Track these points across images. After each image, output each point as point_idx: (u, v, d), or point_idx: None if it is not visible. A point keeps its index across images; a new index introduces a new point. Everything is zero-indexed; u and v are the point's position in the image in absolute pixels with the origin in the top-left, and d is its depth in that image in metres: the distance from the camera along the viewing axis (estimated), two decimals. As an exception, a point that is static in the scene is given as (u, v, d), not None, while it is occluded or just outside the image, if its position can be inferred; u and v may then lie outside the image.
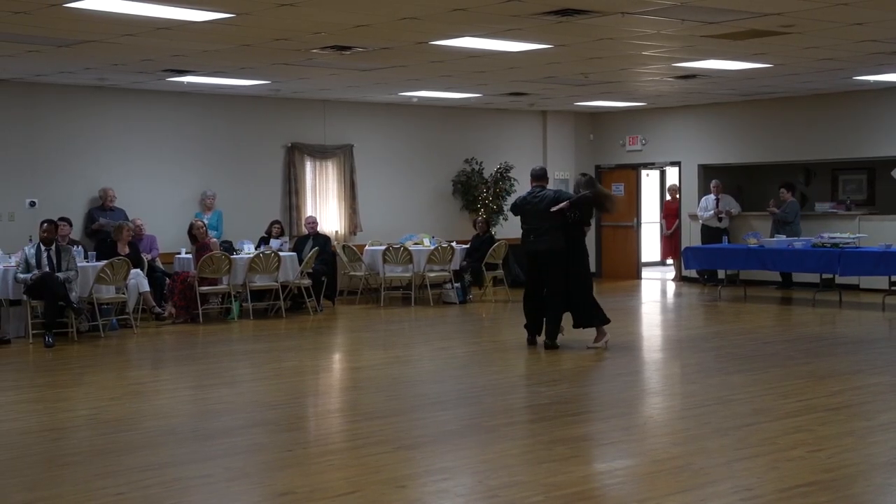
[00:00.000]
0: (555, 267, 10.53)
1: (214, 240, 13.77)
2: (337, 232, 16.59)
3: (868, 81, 14.86)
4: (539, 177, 10.91)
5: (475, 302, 15.40)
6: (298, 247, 14.83)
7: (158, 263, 14.01)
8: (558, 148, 19.24)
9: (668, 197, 19.52)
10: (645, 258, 20.00)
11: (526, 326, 10.93)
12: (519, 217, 10.91)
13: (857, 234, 14.93)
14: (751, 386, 8.65)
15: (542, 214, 10.57)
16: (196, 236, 13.44)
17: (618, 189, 19.53)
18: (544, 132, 19.10)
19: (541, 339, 10.79)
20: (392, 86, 14.70)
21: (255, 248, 14.28)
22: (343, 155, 16.71)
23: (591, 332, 10.82)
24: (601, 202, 11.00)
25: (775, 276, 16.54)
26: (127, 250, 13.06)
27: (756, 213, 17.33)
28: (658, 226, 20.15)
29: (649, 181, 20.95)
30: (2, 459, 6.54)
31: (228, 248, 13.98)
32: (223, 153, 15.64)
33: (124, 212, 14.19)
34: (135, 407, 8.25)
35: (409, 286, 15.51)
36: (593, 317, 10.73)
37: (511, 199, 16.22)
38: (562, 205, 10.48)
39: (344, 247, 16.01)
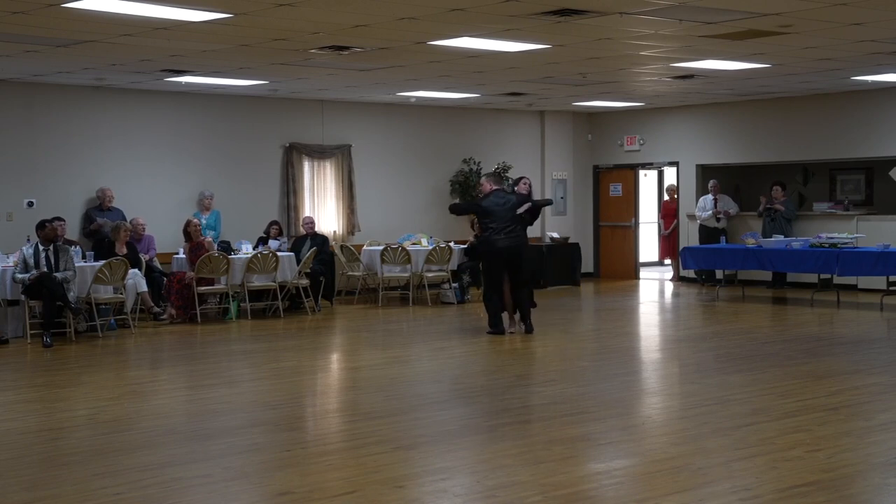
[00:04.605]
0: (526, 259, 11.81)
1: (209, 239, 13.77)
2: (335, 232, 16.58)
3: (866, 81, 14.87)
4: (500, 181, 12.34)
5: (473, 302, 15.40)
6: (296, 247, 14.83)
7: (156, 263, 14.01)
8: (556, 148, 19.24)
9: (666, 197, 19.53)
10: (643, 258, 20.01)
11: (496, 321, 11.74)
12: (478, 217, 11.98)
13: (855, 234, 14.95)
14: (749, 386, 8.66)
15: (510, 215, 11.57)
16: (190, 234, 13.45)
17: (616, 189, 19.57)
18: (542, 132, 19.11)
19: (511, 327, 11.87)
20: (390, 86, 14.70)
21: (254, 248, 14.28)
22: (341, 155, 16.71)
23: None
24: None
25: (770, 275, 16.58)
26: (125, 250, 13.06)
27: (753, 214, 17.33)
28: (656, 226, 20.16)
29: (647, 181, 20.96)
30: (0, 459, 6.54)
31: (226, 248, 13.98)
32: (221, 153, 15.64)
33: (122, 212, 14.19)
34: (133, 407, 8.25)
35: (408, 286, 15.51)
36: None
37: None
38: (525, 206, 11.67)
39: (342, 247, 16.01)
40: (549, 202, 13.50)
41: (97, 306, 12.06)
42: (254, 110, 15.89)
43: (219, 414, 7.93)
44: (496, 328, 11.71)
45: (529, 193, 12.22)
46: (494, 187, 11.77)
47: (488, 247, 11.62)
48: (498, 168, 17.80)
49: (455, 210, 12.68)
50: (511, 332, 11.73)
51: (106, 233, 13.69)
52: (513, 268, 11.57)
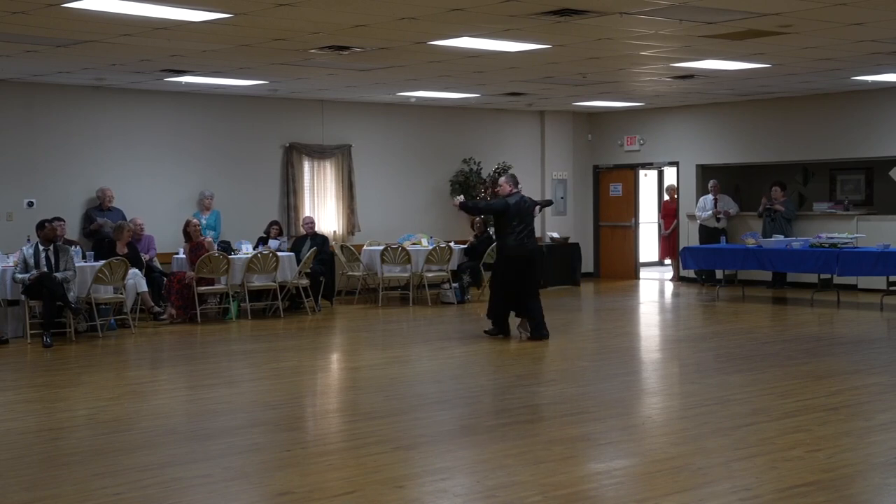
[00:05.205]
0: (539, 264, 11.71)
1: (209, 239, 13.77)
2: (335, 232, 16.59)
3: (866, 81, 14.87)
4: (517, 182, 11.68)
5: (473, 302, 15.40)
6: (297, 247, 14.83)
7: (156, 263, 14.01)
8: (556, 148, 19.24)
9: (666, 197, 19.54)
10: (643, 258, 20.02)
11: (499, 323, 11.50)
12: (503, 217, 11.29)
13: (855, 234, 14.95)
14: (749, 386, 8.66)
15: (531, 217, 11.39)
16: (190, 234, 13.45)
17: (616, 189, 19.57)
18: (542, 132, 19.11)
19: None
20: (390, 86, 14.70)
21: (254, 248, 14.28)
22: (341, 155, 16.71)
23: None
24: None
25: (770, 275, 16.58)
26: (126, 250, 13.06)
27: (753, 214, 17.33)
28: (656, 226, 20.16)
29: (647, 181, 20.96)
30: (0, 459, 6.54)
31: (226, 248, 13.98)
32: (221, 153, 15.64)
33: (122, 212, 14.19)
34: (133, 407, 8.25)
35: (408, 286, 15.51)
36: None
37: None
38: (537, 209, 11.67)
39: (342, 247, 16.01)
40: (549, 203, 13.33)
41: (97, 306, 12.06)
42: (254, 110, 15.89)
43: (219, 414, 7.93)
44: (500, 328, 11.49)
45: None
46: (514, 189, 11.40)
47: (512, 251, 11.20)
48: (498, 168, 17.80)
49: (473, 209, 12.08)
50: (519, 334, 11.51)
51: (106, 233, 13.69)
52: (531, 271, 11.33)
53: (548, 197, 18.59)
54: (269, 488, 5.86)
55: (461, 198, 11.85)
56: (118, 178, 14.58)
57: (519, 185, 12.17)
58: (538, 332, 11.30)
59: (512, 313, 11.61)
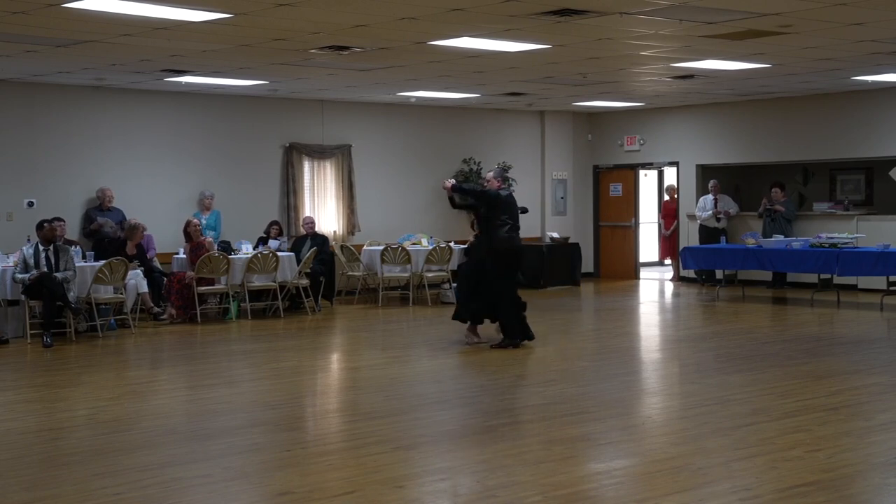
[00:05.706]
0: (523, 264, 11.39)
1: (210, 239, 13.77)
2: (335, 232, 16.58)
3: (866, 82, 14.87)
4: (506, 179, 11.48)
5: (473, 302, 15.38)
6: (297, 247, 14.83)
7: (156, 263, 14.01)
8: (556, 148, 19.24)
9: (666, 197, 19.54)
10: (643, 258, 20.01)
11: (524, 328, 10.88)
12: (494, 209, 10.85)
13: (855, 234, 14.95)
14: (749, 386, 8.66)
15: (517, 215, 11.03)
16: (191, 234, 13.46)
17: (616, 189, 19.58)
18: (542, 132, 19.10)
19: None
20: (390, 86, 14.70)
21: (254, 248, 14.28)
22: (341, 155, 16.70)
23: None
24: None
25: (770, 275, 16.58)
26: (135, 251, 13.08)
27: (753, 214, 17.33)
28: (656, 226, 20.17)
29: (647, 181, 20.96)
30: (1, 459, 6.54)
31: (226, 248, 13.99)
32: (221, 153, 15.64)
33: (122, 212, 14.19)
34: (133, 407, 8.25)
35: (408, 286, 15.52)
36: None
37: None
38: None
39: (342, 247, 16.02)
40: (524, 210, 11.96)
41: (97, 306, 12.06)
42: (254, 110, 15.89)
43: (219, 414, 7.94)
44: (523, 336, 10.84)
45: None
46: (503, 185, 11.15)
47: (502, 243, 10.76)
48: (499, 166, 17.78)
49: (470, 192, 11.27)
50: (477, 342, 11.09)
51: (106, 233, 13.70)
52: (517, 269, 11.09)
53: (548, 197, 18.66)
54: (269, 488, 5.86)
55: (452, 180, 11.30)
56: (118, 178, 14.58)
57: (507, 183, 12.01)
58: (514, 336, 10.84)
59: (481, 314, 11.14)
